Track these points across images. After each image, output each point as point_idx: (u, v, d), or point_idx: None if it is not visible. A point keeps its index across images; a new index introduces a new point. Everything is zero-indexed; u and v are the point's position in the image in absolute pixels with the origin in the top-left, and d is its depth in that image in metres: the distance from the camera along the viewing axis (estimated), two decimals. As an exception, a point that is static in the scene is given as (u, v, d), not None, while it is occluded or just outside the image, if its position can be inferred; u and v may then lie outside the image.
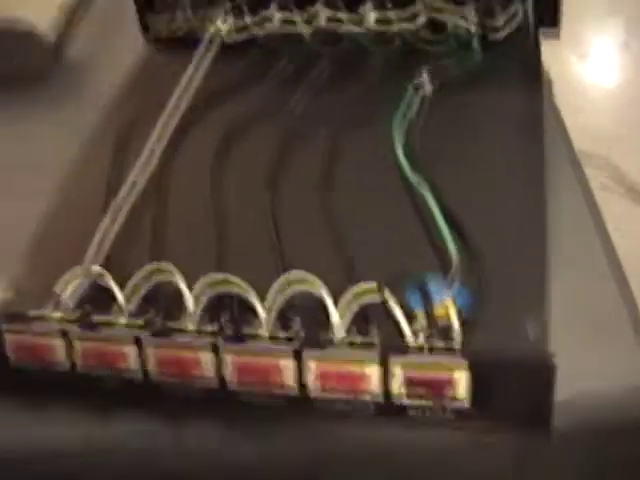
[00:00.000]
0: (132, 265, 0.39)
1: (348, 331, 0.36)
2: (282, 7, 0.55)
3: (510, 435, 0.36)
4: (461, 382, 0.33)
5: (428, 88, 0.49)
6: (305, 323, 0.36)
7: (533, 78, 0.52)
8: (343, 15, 0.53)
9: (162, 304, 0.38)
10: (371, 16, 0.52)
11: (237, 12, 0.56)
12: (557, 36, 0.56)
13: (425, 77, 0.50)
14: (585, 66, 1.81)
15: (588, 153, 1.44)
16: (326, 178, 0.45)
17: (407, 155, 0.45)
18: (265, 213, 0.44)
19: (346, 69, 0.53)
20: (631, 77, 1.78)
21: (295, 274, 0.37)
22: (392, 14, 0.53)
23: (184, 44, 0.56)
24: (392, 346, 0.34)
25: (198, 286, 0.37)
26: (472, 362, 0.33)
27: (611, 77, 1.80)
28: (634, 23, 1.94)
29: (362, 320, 0.37)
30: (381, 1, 0.53)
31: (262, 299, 0.37)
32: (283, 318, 0.37)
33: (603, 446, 0.40)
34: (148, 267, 0.39)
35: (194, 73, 0.51)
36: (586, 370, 0.38)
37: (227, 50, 0.54)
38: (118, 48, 0.63)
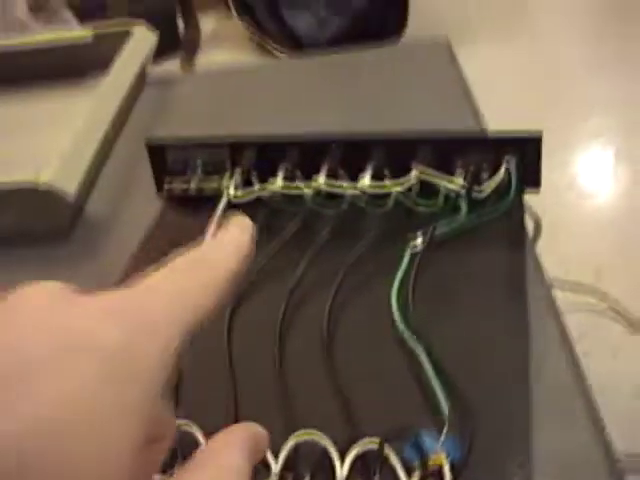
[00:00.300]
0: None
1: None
2: (287, 177, 0.59)
3: None
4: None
5: (420, 246, 0.54)
6: (311, 474, 0.40)
7: (517, 236, 0.57)
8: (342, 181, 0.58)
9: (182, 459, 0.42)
10: (367, 179, 0.57)
11: (245, 177, 0.60)
12: (537, 191, 0.60)
13: (417, 237, 0.54)
14: (573, 194, 1.87)
15: (577, 281, 1.49)
16: (328, 337, 0.50)
17: (402, 313, 0.49)
18: (274, 373, 0.48)
19: (345, 228, 0.58)
20: (619, 203, 1.84)
21: (304, 433, 0.42)
22: (387, 180, 0.58)
23: (195, 202, 0.61)
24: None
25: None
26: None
27: (599, 204, 1.85)
28: (622, 149, 2.01)
29: (365, 471, 0.41)
30: (378, 171, 0.57)
31: (275, 455, 0.41)
32: (294, 473, 0.41)
33: None
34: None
35: (203, 234, 0.56)
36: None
37: (234, 209, 0.59)
38: (134, 206, 0.67)
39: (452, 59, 0.87)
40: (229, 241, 0.31)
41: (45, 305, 0.25)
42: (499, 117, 2.08)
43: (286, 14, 2.57)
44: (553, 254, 1.62)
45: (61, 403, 0.21)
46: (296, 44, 2.53)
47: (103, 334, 0.23)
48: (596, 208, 1.84)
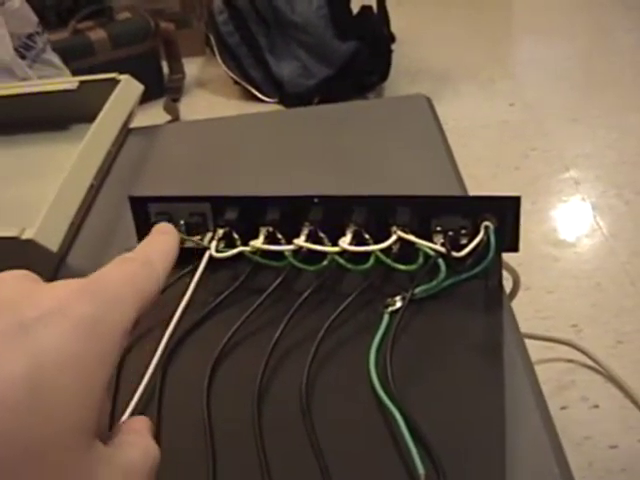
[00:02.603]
0: None
1: None
2: (268, 237, 0.60)
3: None
4: None
5: (399, 306, 0.55)
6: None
7: (494, 297, 0.58)
8: (322, 236, 0.59)
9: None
10: (347, 239, 0.58)
11: (227, 235, 0.61)
12: (516, 250, 0.61)
13: (397, 298, 0.55)
14: (552, 247, 1.89)
15: (555, 336, 1.50)
16: (307, 398, 0.50)
17: (379, 376, 0.50)
18: (253, 434, 0.48)
19: (326, 286, 0.58)
20: (598, 256, 1.86)
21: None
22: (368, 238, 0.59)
23: (178, 257, 0.62)
24: None
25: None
26: None
27: (578, 257, 1.87)
28: (602, 203, 2.03)
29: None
30: (359, 230, 0.58)
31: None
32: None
33: None
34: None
35: (185, 290, 0.56)
36: None
37: (216, 265, 0.59)
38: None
39: (433, 115, 0.88)
40: (158, 240, 0.41)
41: (26, 281, 0.32)
42: (480, 165, 2.11)
43: (271, 61, 2.60)
44: (532, 308, 1.64)
45: (56, 348, 0.28)
46: (280, 91, 2.56)
47: (78, 306, 0.30)
48: (574, 261, 1.85)
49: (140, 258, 0.37)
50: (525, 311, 1.62)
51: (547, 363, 1.49)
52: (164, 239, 0.41)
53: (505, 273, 0.63)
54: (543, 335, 1.44)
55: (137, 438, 0.34)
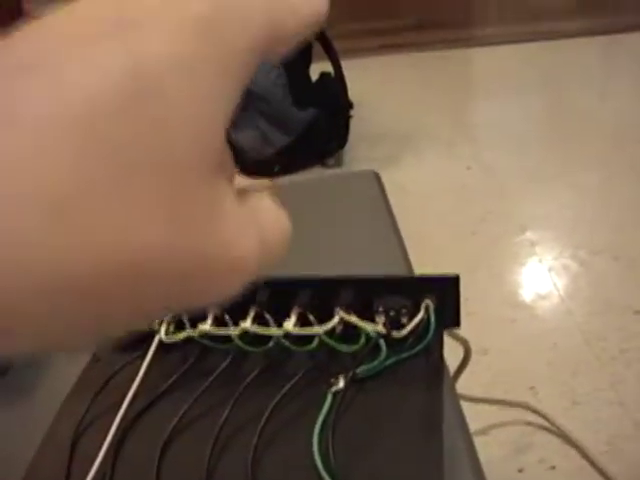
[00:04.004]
0: None
1: None
2: (216, 320, 0.62)
3: None
4: None
5: (342, 385, 0.57)
6: None
7: (435, 375, 0.60)
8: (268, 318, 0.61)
9: None
10: (292, 321, 0.60)
11: (176, 318, 0.63)
12: (458, 326, 0.64)
13: (340, 378, 0.57)
14: (508, 309, 1.91)
15: (511, 398, 1.52)
16: (253, 475, 0.52)
17: (323, 457, 0.52)
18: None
19: (272, 368, 0.60)
20: (553, 318, 1.89)
21: None
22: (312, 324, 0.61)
23: (128, 342, 0.64)
24: None
25: None
26: None
27: (533, 319, 1.90)
28: (558, 264, 2.07)
29: None
30: (303, 312, 0.60)
31: None
32: None
33: None
34: None
35: (136, 374, 0.58)
36: None
37: (166, 348, 0.61)
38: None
39: (381, 192, 0.91)
40: None
41: None
42: (438, 230, 2.13)
43: (231, 130, 2.63)
44: (489, 371, 1.67)
45: (166, 45, 0.23)
46: (240, 159, 2.58)
47: (191, 4, 0.24)
48: (531, 323, 1.88)
49: None
50: (482, 375, 1.65)
51: (505, 426, 1.51)
52: None
53: (456, 343, 0.66)
54: (500, 398, 1.46)
55: (268, 203, 0.28)
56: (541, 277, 2.05)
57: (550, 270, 2.07)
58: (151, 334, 0.61)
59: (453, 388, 0.62)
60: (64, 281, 0.21)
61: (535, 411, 1.53)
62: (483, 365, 1.66)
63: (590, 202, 2.38)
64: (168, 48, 0.23)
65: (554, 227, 2.27)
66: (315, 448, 0.53)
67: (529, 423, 1.54)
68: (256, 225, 0.26)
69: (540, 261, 2.12)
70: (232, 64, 0.24)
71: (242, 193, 0.27)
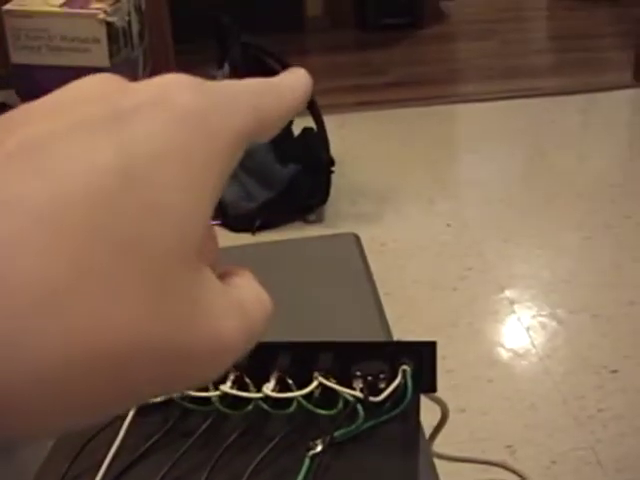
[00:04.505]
0: None
1: None
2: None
3: None
4: None
5: (320, 448, 0.58)
6: None
7: (412, 439, 0.61)
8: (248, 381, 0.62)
9: None
10: (271, 385, 0.61)
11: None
12: (434, 390, 0.65)
13: (318, 441, 0.58)
14: (486, 368, 1.93)
15: (489, 459, 1.52)
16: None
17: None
18: None
19: (250, 431, 0.61)
20: (531, 378, 1.90)
21: None
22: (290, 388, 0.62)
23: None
24: None
25: None
26: None
27: (511, 379, 1.91)
28: (536, 323, 2.08)
29: None
30: (282, 378, 0.61)
31: None
32: None
33: None
34: None
35: (115, 435, 0.59)
36: None
37: (145, 410, 0.62)
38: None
39: (361, 255, 0.92)
40: (297, 76, 0.31)
41: (117, 79, 0.26)
42: (418, 287, 2.14)
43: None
44: (467, 430, 1.67)
45: (154, 139, 0.23)
46: (223, 213, 2.60)
47: (182, 97, 0.25)
48: (509, 382, 1.89)
49: (265, 80, 0.30)
50: (460, 433, 1.65)
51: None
52: (295, 75, 0.32)
53: (433, 405, 0.67)
54: (477, 458, 1.47)
55: (248, 281, 0.29)
56: (519, 336, 2.07)
57: (528, 329, 2.09)
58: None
59: (429, 451, 0.63)
60: (50, 369, 0.21)
61: (513, 471, 1.53)
62: (460, 423, 1.67)
63: (567, 262, 2.41)
64: (156, 142, 0.23)
65: (532, 286, 2.29)
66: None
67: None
68: (238, 306, 0.27)
69: (519, 319, 2.13)
70: (219, 154, 0.25)
71: (223, 275, 0.28)
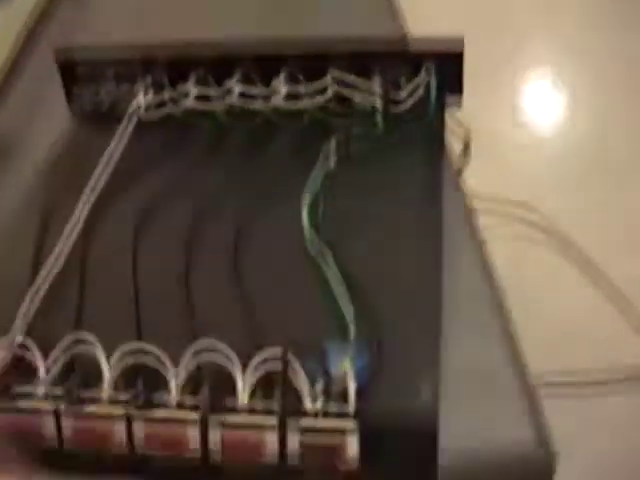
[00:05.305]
0: (55, 336, 0.42)
1: (253, 397, 0.39)
2: (199, 81, 0.57)
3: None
4: (352, 445, 0.37)
5: (334, 160, 0.53)
6: (212, 390, 0.39)
7: (436, 149, 0.56)
8: (255, 91, 0.56)
9: (80, 374, 0.41)
10: (282, 92, 0.56)
11: (157, 87, 0.58)
12: (459, 105, 0.59)
13: (331, 150, 0.53)
14: (509, 120, 1.86)
15: (511, 200, 1.48)
16: (237, 253, 0.49)
17: (313, 229, 0.48)
18: (179, 285, 0.47)
19: (257, 144, 0.56)
20: (555, 132, 1.84)
21: (205, 342, 0.40)
22: (301, 88, 0.56)
23: (107, 118, 0.59)
24: (289, 411, 0.38)
25: (115, 355, 0.40)
26: (363, 425, 0.37)
27: (535, 131, 1.85)
28: (561, 71, 2.00)
29: (267, 386, 0.40)
30: (293, 75, 0.56)
31: (174, 366, 0.40)
32: (193, 386, 0.40)
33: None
34: (70, 337, 0.41)
35: (114, 150, 0.54)
36: (473, 434, 0.41)
37: (145, 126, 0.57)
38: (44, 123, 0.65)
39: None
40: None
41: None
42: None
43: None
44: (484, 181, 1.61)
45: None
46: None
47: None
48: (531, 136, 1.83)
49: None
50: (476, 183, 1.59)
51: (500, 233, 1.47)
52: None
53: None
54: (502, 197, 1.42)
55: None
56: (545, 88, 1.98)
57: (554, 82, 1.99)
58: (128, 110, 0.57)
59: (454, 171, 0.58)
60: None
61: (535, 219, 1.49)
62: (478, 172, 1.60)
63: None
64: None
65: (560, 39, 2.16)
66: (305, 223, 0.49)
67: (527, 232, 1.51)
68: None
69: (546, 72, 2.04)
70: None
71: None
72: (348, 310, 0.43)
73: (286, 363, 0.39)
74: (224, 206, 0.52)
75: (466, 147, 0.73)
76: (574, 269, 1.46)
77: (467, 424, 0.41)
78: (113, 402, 0.39)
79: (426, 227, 0.50)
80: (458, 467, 0.40)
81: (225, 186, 0.53)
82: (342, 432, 0.37)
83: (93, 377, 0.40)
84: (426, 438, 0.37)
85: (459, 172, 0.71)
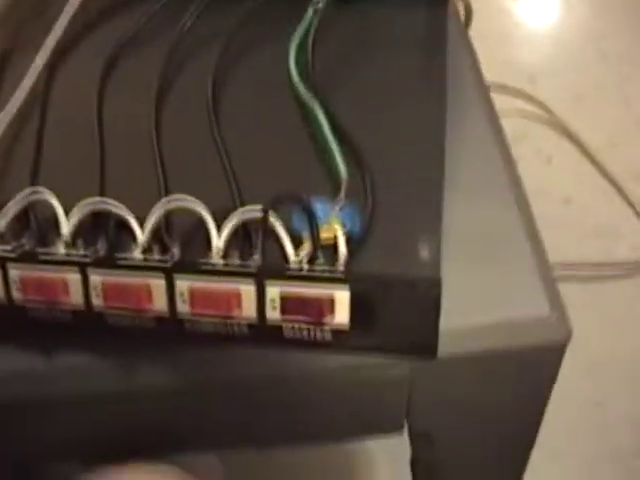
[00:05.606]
0: (12, 188, 0.37)
1: (228, 254, 0.34)
2: None
3: (393, 357, 0.34)
4: (341, 303, 0.32)
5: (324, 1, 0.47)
6: (183, 245, 0.34)
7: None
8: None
9: (36, 227, 0.36)
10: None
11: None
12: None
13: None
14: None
15: (510, 87, 1.43)
16: (215, 96, 0.43)
17: (301, 73, 0.43)
18: (149, 133, 0.41)
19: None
20: (557, 11, 1.78)
21: (176, 196, 0.35)
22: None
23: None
24: (268, 267, 0.33)
25: (75, 209, 0.35)
26: (354, 283, 0.32)
27: (536, 10, 1.78)
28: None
29: (246, 243, 0.35)
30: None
31: (141, 221, 0.35)
32: (162, 241, 0.35)
33: (489, 373, 0.39)
34: (26, 190, 0.37)
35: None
36: (477, 298, 0.37)
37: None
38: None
39: None
40: None
41: None
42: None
43: None
44: (485, 58, 1.56)
45: None
46: None
47: None
48: (532, 14, 1.76)
49: None
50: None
51: (501, 113, 1.42)
52: None
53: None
54: (495, 82, 1.37)
55: None
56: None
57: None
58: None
59: (456, 10, 0.52)
60: None
61: (536, 101, 1.44)
62: (479, 50, 1.54)
63: None
64: None
65: None
66: (292, 63, 0.43)
67: (529, 113, 1.45)
68: None
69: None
70: None
71: None
72: (338, 158, 0.38)
73: (266, 214, 0.34)
74: (201, 50, 0.46)
75: (467, 14, 0.67)
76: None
77: (473, 290, 0.37)
78: (70, 254, 0.34)
79: (428, 79, 0.44)
80: (463, 331, 0.36)
81: (202, 27, 0.47)
82: (331, 290, 0.32)
83: (50, 232, 0.36)
84: (428, 297, 0.32)
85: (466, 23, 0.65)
